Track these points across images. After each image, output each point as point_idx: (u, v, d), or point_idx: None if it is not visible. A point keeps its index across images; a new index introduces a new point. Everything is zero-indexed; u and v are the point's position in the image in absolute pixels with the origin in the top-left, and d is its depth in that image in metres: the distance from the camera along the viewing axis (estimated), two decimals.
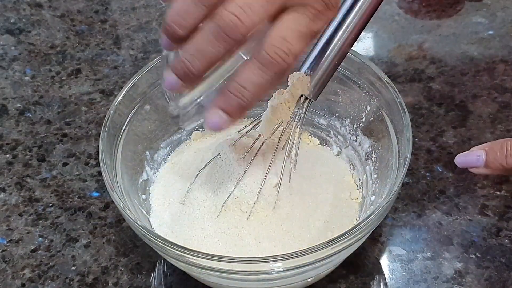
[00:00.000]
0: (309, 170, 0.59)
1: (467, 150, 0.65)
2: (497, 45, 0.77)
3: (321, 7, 0.41)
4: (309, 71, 0.51)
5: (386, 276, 0.56)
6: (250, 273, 0.46)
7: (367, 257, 0.57)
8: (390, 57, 0.77)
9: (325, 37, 0.49)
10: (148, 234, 0.47)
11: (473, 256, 0.57)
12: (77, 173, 0.65)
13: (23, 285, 0.57)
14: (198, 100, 0.47)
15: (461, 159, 0.47)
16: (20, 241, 0.60)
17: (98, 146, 0.53)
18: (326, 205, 0.56)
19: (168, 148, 0.62)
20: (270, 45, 0.40)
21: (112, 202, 0.61)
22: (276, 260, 0.45)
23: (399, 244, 0.58)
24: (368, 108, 0.57)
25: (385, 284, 0.56)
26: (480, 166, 0.46)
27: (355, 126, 0.60)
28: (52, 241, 0.60)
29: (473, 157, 0.46)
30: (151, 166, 0.60)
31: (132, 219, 0.48)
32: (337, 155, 0.62)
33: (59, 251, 0.59)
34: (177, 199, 0.57)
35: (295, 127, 0.55)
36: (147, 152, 0.60)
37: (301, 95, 0.53)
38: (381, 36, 0.80)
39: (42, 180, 0.65)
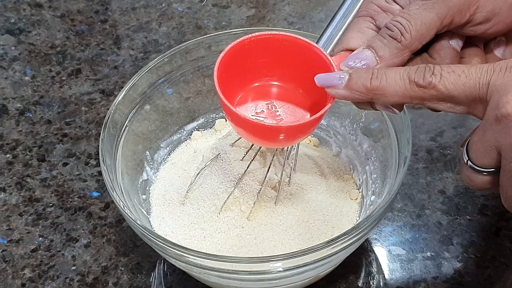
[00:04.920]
0: (309, 170, 0.59)
1: None
2: None
3: None
4: None
5: (386, 276, 0.56)
6: (250, 273, 0.46)
7: (367, 257, 0.58)
8: None
9: (330, 29, 0.49)
10: (148, 234, 0.47)
11: (473, 256, 0.57)
12: (77, 173, 0.66)
13: (23, 285, 0.57)
14: None
15: (321, 76, 0.43)
16: (20, 241, 0.60)
17: (98, 146, 0.53)
18: (326, 205, 0.56)
19: (168, 148, 0.62)
20: None
21: (112, 202, 0.61)
22: (276, 260, 0.45)
23: (399, 244, 0.58)
24: None
25: (385, 284, 0.56)
26: (340, 86, 0.43)
27: (354, 125, 0.60)
28: (52, 241, 0.60)
29: (335, 75, 0.44)
30: (151, 166, 0.60)
31: (132, 219, 0.48)
32: (337, 155, 0.62)
33: (59, 251, 0.59)
34: (177, 199, 0.57)
35: None
36: (147, 152, 0.60)
37: None
38: None
39: (42, 180, 0.65)
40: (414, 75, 0.41)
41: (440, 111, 0.43)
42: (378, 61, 0.43)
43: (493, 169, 0.41)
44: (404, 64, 0.44)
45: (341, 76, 0.43)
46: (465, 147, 0.42)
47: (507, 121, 0.38)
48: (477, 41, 0.47)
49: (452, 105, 0.42)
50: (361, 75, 0.42)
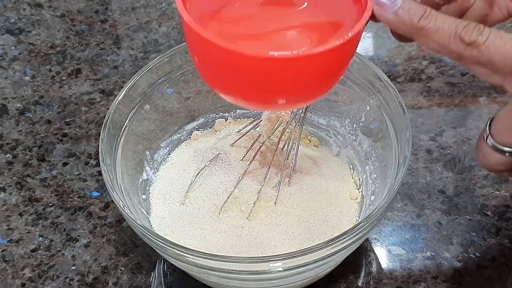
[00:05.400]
0: (309, 170, 0.59)
1: (467, 150, 0.65)
2: None
3: None
4: None
5: (386, 276, 0.56)
6: (250, 273, 0.46)
7: (367, 257, 0.58)
8: (390, 57, 0.77)
9: None
10: (148, 234, 0.47)
11: (473, 256, 0.57)
12: (77, 173, 0.66)
13: (23, 284, 0.57)
14: None
15: None
16: (20, 241, 0.60)
17: (98, 146, 0.53)
18: (326, 205, 0.56)
19: (168, 148, 0.62)
20: None
21: (112, 202, 0.61)
22: (276, 260, 0.45)
23: (399, 244, 0.58)
24: (368, 108, 0.57)
25: (385, 284, 0.56)
26: (390, 9, 0.39)
27: (354, 125, 0.60)
28: (52, 240, 0.60)
29: None
30: (151, 166, 0.60)
31: (132, 219, 0.48)
32: (337, 155, 0.62)
33: (59, 250, 0.59)
34: (177, 199, 0.57)
35: (295, 127, 0.56)
36: (147, 152, 0.60)
37: None
38: (381, 36, 0.80)
39: (42, 180, 0.65)
40: (463, 30, 0.39)
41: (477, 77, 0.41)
42: None
43: None
44: None
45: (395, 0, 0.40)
46: (488, 122, 0.41)
47: None
48: None
49: (489, 71, 0.40)
50: (412, 7, 0.40)
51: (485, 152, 0.41)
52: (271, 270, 0.46)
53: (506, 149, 0.40)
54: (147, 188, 0.59)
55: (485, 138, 0.41)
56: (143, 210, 0.56)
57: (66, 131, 0.70)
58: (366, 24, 0.38)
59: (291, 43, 0.36)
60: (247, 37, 0.34)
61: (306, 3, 0.39)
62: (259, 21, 0.36)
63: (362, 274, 0.56)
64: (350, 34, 0.36)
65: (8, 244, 0.60)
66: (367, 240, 0.59)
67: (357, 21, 0.37)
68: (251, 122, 0.59)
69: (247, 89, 0.34)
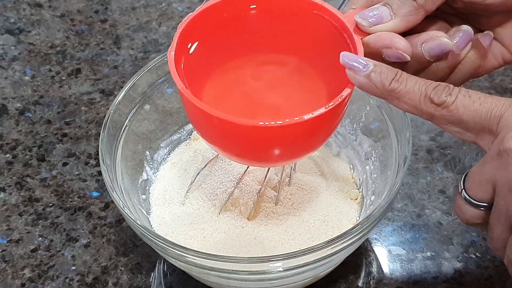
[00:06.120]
0: (309, 170, 0.59)
1: (467, 150, 0.65)
2: None
3: None
4: None
5: (386, 276, 0.56)
6: (250, 273, 0.46)
7: (367, 257, 0.58)
8: None
9: None
10: (148, 234, 0.47)
11: (473, 256, 0.57)
12: (77, 173, 0.65)
13: (23, 285, 0.57)
14: None
15: (349, 56, 0.42)
16: (20, 241, 0.60)
17: (98, 146, 0.53)
18: (326, 205, 0.56)
19: (168, 148, 0.62)
20: None
21: (112, 202, 0.61)
22: (276, 260, 0.45)
23: (399, 244, 0.58)
24: (368, 107, 0.57)
25: (385, 284, 0.56)
26: (362, 73, 0.41)
27: (354, 125, 0.60)
28: (52, 241, 0.60)
29: (361, 60, 0.41)
30: (151, 166, 0.60)
31: (132, 219, 0.48)
32: (337, 155, 0.62)
33: (59, 251, 0.59)
34: (177, 199, 0.57)
35: None
36: (147, 152, 0.60)
37: None
38: None
39: (42, 180, 0.65)
40: (432, 91, 0.40)
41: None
42: (392, 17, 0.43)
43: (485, 204, 0.41)
44: (419, 25, 0.44)
45: (367, 63, 0.42)
46: (463, 177, 0.42)
47: (508, 156, 0.38)
48: (474, 19, 0.47)
49: (461, 130, 0.41)
50: (384, 71, 0.41)
51: (461, 206, 0.42)
52: (271, 270, 0.46)
53: (480, 203, 0.41)
54: (147, 188, 0.59)
55: (460, 192, 0.42)
56: (143, 210, 0.56)
57: (66, 131, 0.70)
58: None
59: (282, 107, 0.39)
60: (238, 101, 0.38)
61: (297, 62, 0.42)
62: (250, 83, 0.40)
63: (362, 274, 0.56)
64: (338, 100, 0.38)
65: (8, 244, 0.60)
66: (367, 240, 0.59)
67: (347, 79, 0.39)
68: None
69: (239, 149, 0.37)
